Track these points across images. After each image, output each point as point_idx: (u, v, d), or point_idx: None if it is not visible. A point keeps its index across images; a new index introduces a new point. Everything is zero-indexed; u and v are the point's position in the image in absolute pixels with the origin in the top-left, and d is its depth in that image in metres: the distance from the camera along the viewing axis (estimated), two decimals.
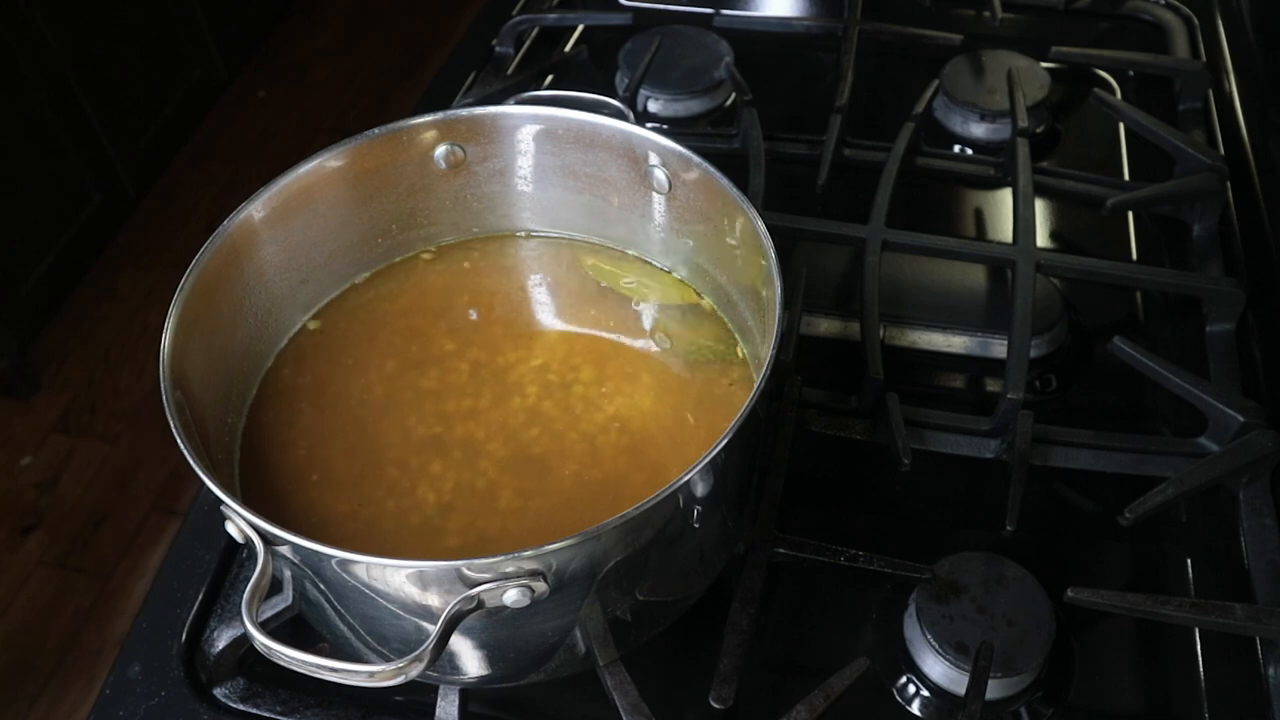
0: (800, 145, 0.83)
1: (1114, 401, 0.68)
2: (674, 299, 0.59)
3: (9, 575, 1.62)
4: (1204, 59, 0.90)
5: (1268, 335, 0.69)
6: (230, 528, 0.42)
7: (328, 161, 0.56)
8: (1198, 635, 0.56)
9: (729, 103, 0.88)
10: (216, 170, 2.24)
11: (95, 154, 1.98)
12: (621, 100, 0.62)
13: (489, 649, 0.47)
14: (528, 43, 0.96)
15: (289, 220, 0.56)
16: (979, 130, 0.85)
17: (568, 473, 0.52)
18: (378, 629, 0.46)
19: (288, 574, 0.47)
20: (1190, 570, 0.59)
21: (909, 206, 0.77)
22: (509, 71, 0.93)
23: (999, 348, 0.68)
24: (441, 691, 0.53)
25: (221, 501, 0.42)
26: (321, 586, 0.45)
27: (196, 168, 2.25)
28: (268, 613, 0.55)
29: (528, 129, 0.59)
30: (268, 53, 2.52)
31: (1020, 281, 0.68)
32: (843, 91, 0.84)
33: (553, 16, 0.96)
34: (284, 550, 0.42)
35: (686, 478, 0.41)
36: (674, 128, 0.87)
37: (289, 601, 0.53)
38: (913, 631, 0.54)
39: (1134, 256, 0.77)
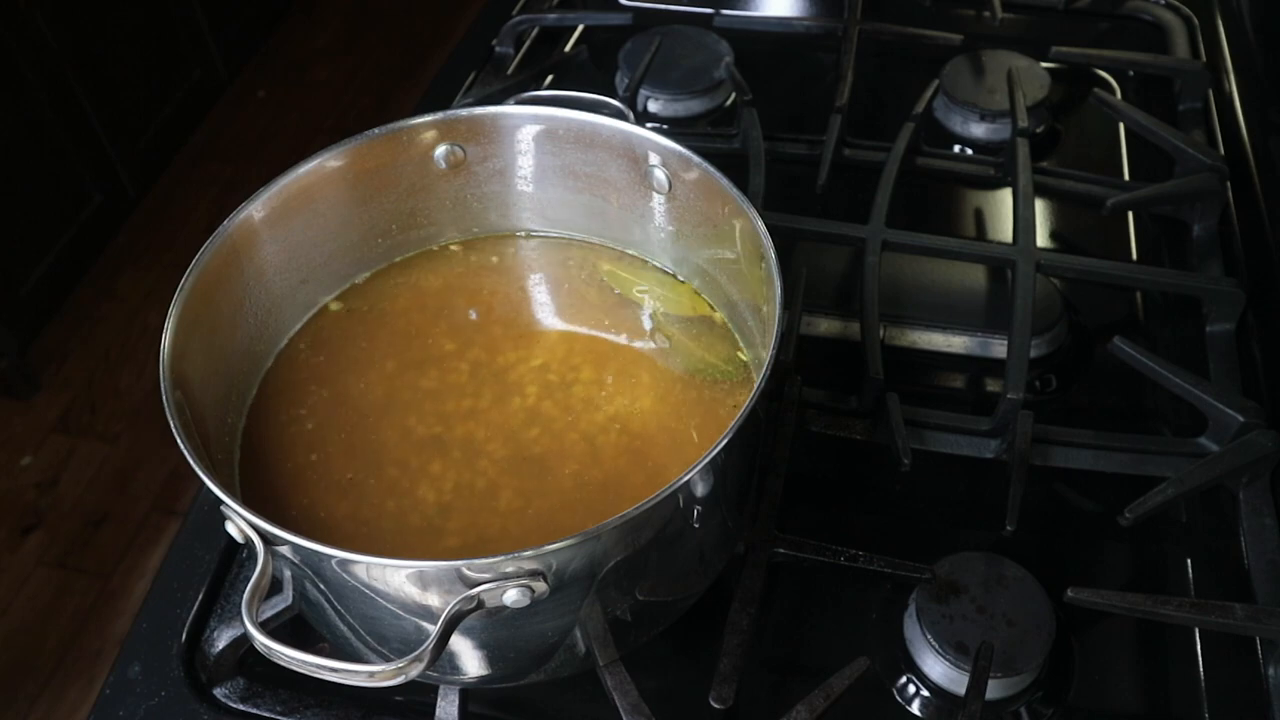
0: (800, 145, 0.83)
1: (1114, 401, 0.68)
2: (686, 310, 0.59)
3: (9, 575, 1.62)
4: (1204, 59, 0.90)
5: (1268, 335, 0.69)
6: (230, 528, 0.42)
7: (328, 161, 0.56)
8: (1198, 635, 0.56)
9: (729, 103, 0.88)
10: (216, 170, 2.24)
11: (95, 154, 1.98)
12: (621, 100, 0.62)
13: (489, 649, 0.47)
14: (528, 43, 0.96)
15: (289, 220, 0.56)
16: (979, 130, 0.85)
17: (568, 473, 0.52)
18: (378, 629, 0.46)
19: (288, 574, 0.47)
20: (1190, 570, 0.59)
21: (909, 206, 0.77)
22: (509, 71, 0.93)
23: (999, 348, 0.68)
24: (441, 691, 0.53)
25: (221, 501, 0.42)
26: (321, 586, 0.45)
27: (196, 168, 2.25)
28: (268, 613, 0.55)
29: (528, 129, 0.59)
30: (268, 53, 2.52)
31: (1020, 281, 0.68)
32: (843, 91, 0.84)
33: (553, 16, 0.96)
34: (284, 550, 0.42)
35: (686, 478, 0.41)
36: (674, 128, 0.87)
37: (289, 601, 0.53)
38: (913, 631, 0.54)
39: (1134, 256, 0.77)
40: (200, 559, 0.60)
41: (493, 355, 0.57)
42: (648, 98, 0.87)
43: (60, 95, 1.86)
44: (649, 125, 0.59)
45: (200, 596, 0.58)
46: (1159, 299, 0.73)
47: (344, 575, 0.42)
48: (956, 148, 0.85)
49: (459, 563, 0.39)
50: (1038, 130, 0.85)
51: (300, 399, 0.56)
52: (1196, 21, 0.94)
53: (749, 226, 0.51)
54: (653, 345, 0.58)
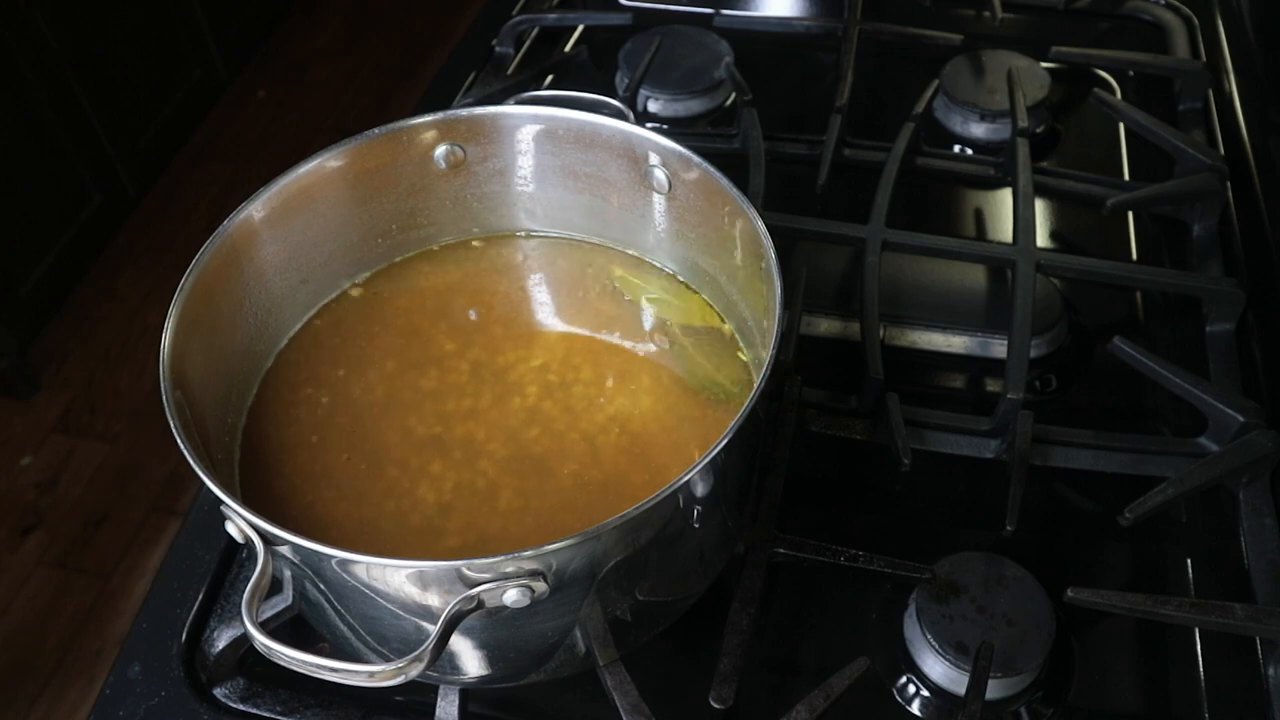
0: (800, 145, 0.83)
1: (1114, 401, 0.68)
2: (695, 320, 0.58)
3: (9, 575, 1.62)
4: (1204, 59, 0.90)
5: (1268, 335, 0.69)
6: (230, 528, 0.42)
7: (328, 161, 0.56)
8: (1198, 635, 0.56)
9: (729, 103, 0.88)
10: (216, 170, 2.24)
11: (95, 154, 1.98)
12: (621, 100, 0.62)
13: (489, 649, 0.47)
14: (528, 43, 0.96)
15: (289, 220, 0.56)
16: (979, 130, 0.85)
17: (568, 473, 0.52)
18: (378, 629, 0.46)
19: (288, 574, 0.47)
20: (1190, 570, 0.59)
21: (909, 206, 0.77)
22: (509, 71, 0.93)
23: (999, 348, 0.68)
24: (441, 691, 0.53)
25: (221, 501, 0.42)
26: (321, 586, 0.45)
27: (196, 168, 2.25)
28: (268, 613, 0.55)
29: (528, 129, 0.59)
30: (268, 53, 2.52)
31: (1020, 281, 0.68)
32: (843, 91, 0.84)
33: (553, 16, 0.96)
34: (284, 550, 0.42)
35: (686, 478, 0.41)
36: (674, 128, 0.87)
37: (289, 601, 0.53)
38: (913, 631, 0.54)
39: (1134, 256, 0.77)
40: (200, 559, 0.60)
41: (493, 355, 0.57)
42: (648, 98, 0.87)
43: (60, 95, 1.86)
44: (649, 125, 0.59)
45: (200, 596, 0.58)
46: (1159, 299, 0.73)
47: (344, 575, 0.42)
48: (956, 148, 0.85)
49: (459, 563, 0.40)
50: (1038, 130, 0.85)
51: (300, 399, 0.56)
52: (1196, 21, 0.94)
53: (749, 226, 0.51)
54: (653, 346, 0.58)
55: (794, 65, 0.95)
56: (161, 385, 0.45)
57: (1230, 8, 0.91)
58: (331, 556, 0.41)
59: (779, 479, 0.59)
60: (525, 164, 0.60)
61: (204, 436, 0.48)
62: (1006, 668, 0.51)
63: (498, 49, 0.95)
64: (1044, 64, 0.87)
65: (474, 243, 0.63)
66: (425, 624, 0.44)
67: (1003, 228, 0.78)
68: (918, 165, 0.82)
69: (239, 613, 0.53)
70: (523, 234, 0.64)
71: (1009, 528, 0.58)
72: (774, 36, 0.96)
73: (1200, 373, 0.67)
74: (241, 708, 0.55)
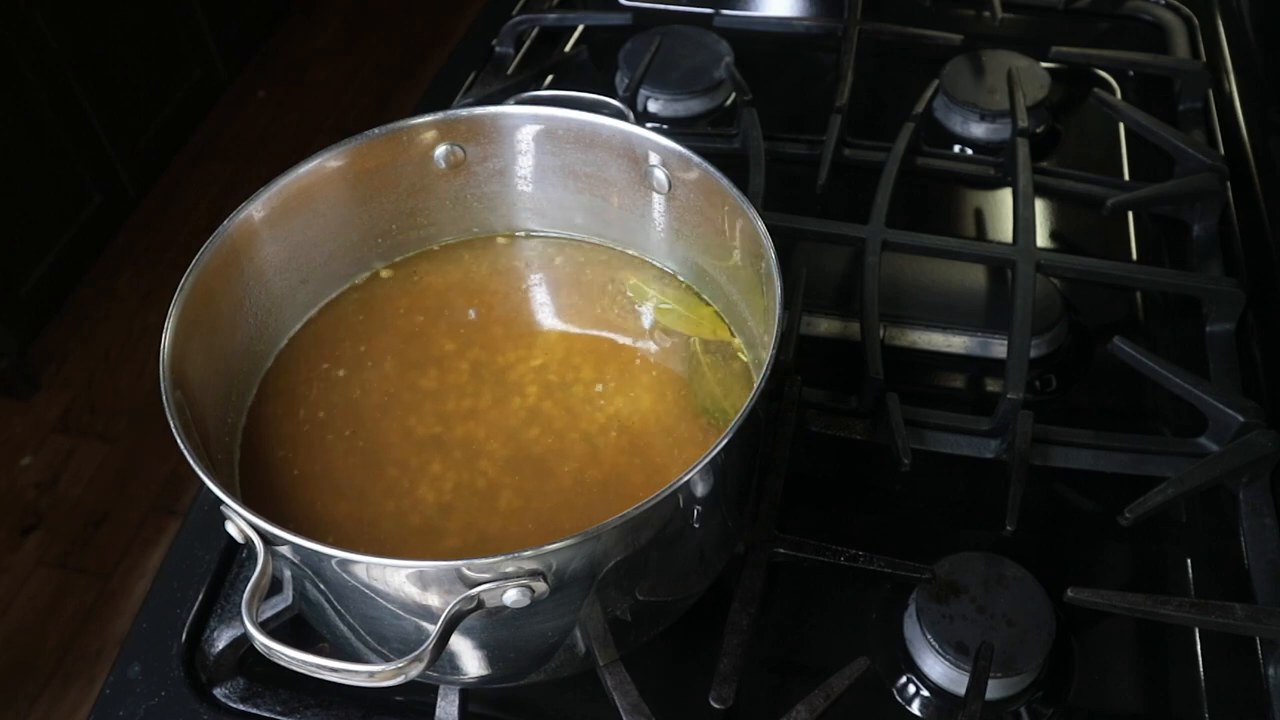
0: (800, 145, 0.83)
1: (1114, 401, 0.68)
2: (705, 332, 0.58)
3: (9, 575, 1.62)
4: (1204, 59, 0.90)
5: (1268, 335, 0.69)
6: (230, 528, 0.42)
7: (328, 161, 0.56)
8: (1198, 635, 0.56)
9: (729, 103, 0.88)
10: (216, 170, 2.24)
11: (95, 154, 1.98)
12: (621, 100, 0.62)
13: (489, 649, 0.47)
14: (528, 43, 0.96)
15: (289, 220, 0.56)
16: (979, 130, 0.85)
17: (567, 472, 0.52)
18: (378, 629, 0.46)
19: (288, 574, 0.47)
20: (1190, 570, 0.59)
21: (909, 206, 0.77)
22: (509, 71, 0.93)
23: (999, 348, 0.68)
24: (441, 691, 0.53)
25: (221, 501, 0.42)
26: (321, 586, 0.45)
27: (196, 168, 2.25)
28: (268, 613, 0.55)
29: (528, 129, 0.59)
30: (268, 53, 2.52)
31: (1020, 281, 0.68)
32: (843, 91, 0.84)
33: (553, 16, 0.96)
34: (284, 550, 0.42)
35: (686, 478, 0.41)
36: (674, 128, 0.87)
37: (289, 601, 0.53)
38: (913, 631, 0.54)
39: (1134, 256, 0.77)
40: (200, 559, 0.60)
41: (493, 355, 0.57)
42: (648, 98, 0.87)
43: (60, 95, 1.86)
44: (649, 125, 0.59)
45: (200, 596, 0.58)
46: (1159, 299, 0.73)
47: (344, 575, 0.42)
48: (956, 148, 0.85)
49: (459, 563, 0.39)
50: (1038, 130, 0.85)
51: (300, 399, 0.56)
52: (1196, 21, 0.94)
53: (749, 226, 0.51)
54: (653, 345, 0.58)
55: (794, 65, 0.95)
56: (161, 385, 0.45)
57: (1230, 8, 0.91)
58: (331, 556, 0.41)
59: (779, 479, 0.59)
60: (525, 164, 0.60)
61: (204, 436, 0.48)
62: (1006, 668, 0.51)
63: (498, 49, 0.95)
64: (1044, 64, 0.87)
65: (474, 243, 0.63)
66: (425, 624, 0.44)
67: (1003, 228, 0.78)
68: (918, 165, 0.82)
69: (239, 613, 0.53)
70: (523, 234, 0.64)
71: (1009, 528, 0.58)
72: (774, 36, 0.96)
73: (1200, 373, 0.67)
74: (241, 708, 0.55)
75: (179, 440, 0.43)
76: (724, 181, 0.52)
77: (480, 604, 0.40)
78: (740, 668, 0.52)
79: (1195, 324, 0.71)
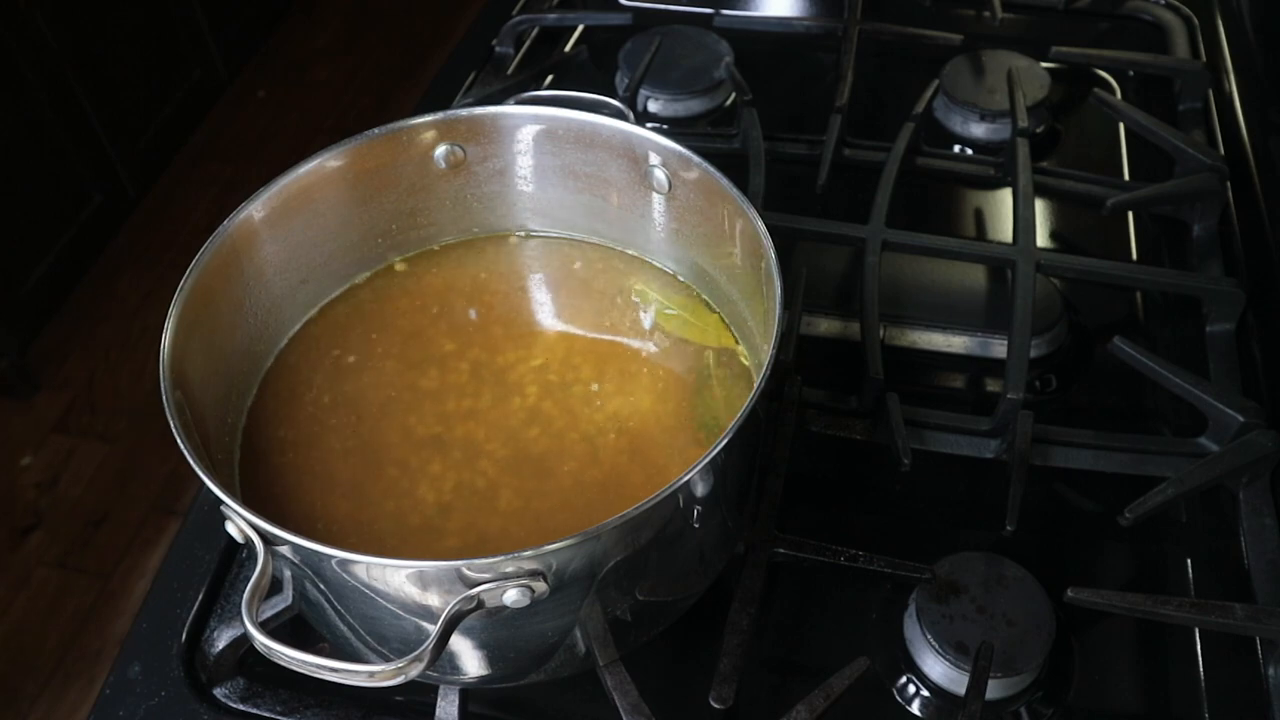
0: (800, 145, 0.83)
1: (1114, 401, 0.68)
2: (710, 340, 0.58)
3: (9, 575, 1.62)
4: (1204, 59, 0.90)
5: (1268, 335, 0.69)
6: (230, 528, 0.42)
7: (328, 161, 0.56)
8: (1198, 635, 0.56)
9: (729, 103, 0.88)
10: (216, 170, 2.24)
11: (95, 154, 1.98)
12: (621, 100, 0.62)
13: (489, 649, 0.47)
14: (528, 43, 0.96)
15: (289, 220, 0.55)
16: (979, 130, 0.85)
17: (567, 472, 0.52)
18: (378, 629, 0.46)
19: (288, 574, 0.47)
20: (1190, 570, 0.59)
21: (909, 206, 0.77)
22: (509, 71, 0.93)
23: (999, 348, 0.68)
24: (441, 691, 0.53)
25: (221, 501, 0.42)
26: (321, 586, 0.45)
27: (196, 168, 2.25)
28: (268, 613, 0.55)
29: (528, 129, 0.59)
30: (268, 53, 2.52)
31: (1020, 281, 0.68)
32: (843, 91, 0.84)
33: (553, 16, 0.96)
34: (284, 550, 0.42)
35: (686, 478, 0.41)
36: (674, 128, 0.87)
37: (289, 601, 0.53)
38: (913, 631, 0.54)
39: (1134, 256, 0.77)
40: (200, 559, 0.60)
41: (493, 355, 0.57)
42: (648, 98, 0.87)
43: (60, 95, 1.86)
44: (649, 125, 0.59)
45: (200, 596, 0.58)
46: (1159, 299, 0.73)
47: (344, 575, 0.42)
48: (956, 148, 0.85)
49: (459, 563, 0.39)
50: (1038, 130, 0.85)
51: (300, 399, 0.56)
52: (1196, 21, 0.94)
53: (749, 226, 0.51)
54: (653, 345, 0.58)
55: (794, 65, 0.95)
56: (161, 385, 0.45)
57: (1230, 8, 0.91)
58: (331, 556, 0.41)
59: (779, 479, 0.59)
60: (525, 164, 0.60)
61: (204, 436, 0.48)
62: (1006, 668, 0.51)
63: (498, 49, 0.95)
64: (1044, 64, 0.87)
65: (474, 243, 0.63)
66: (425, 624, 0.44)
67: (1003, 228, 0.78)
68: (918, 165, 0.82)
69: (239, 613, 0.53)
70: (523, 234, 0.64)
71: (1009, 528, 0.58)
72: (774, 36, 0.96)
73: (1200, 373, 0.67)
74: (241, 708, 0.55)
75: (179, 440, 0.43)
76: (724, 181, 0.52)
77: (480, 604, 0.40)
78: (740, 668, 0.52)
79: (1195, 324, 0.71)
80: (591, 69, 0.93)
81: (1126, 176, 0.83)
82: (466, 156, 0.60)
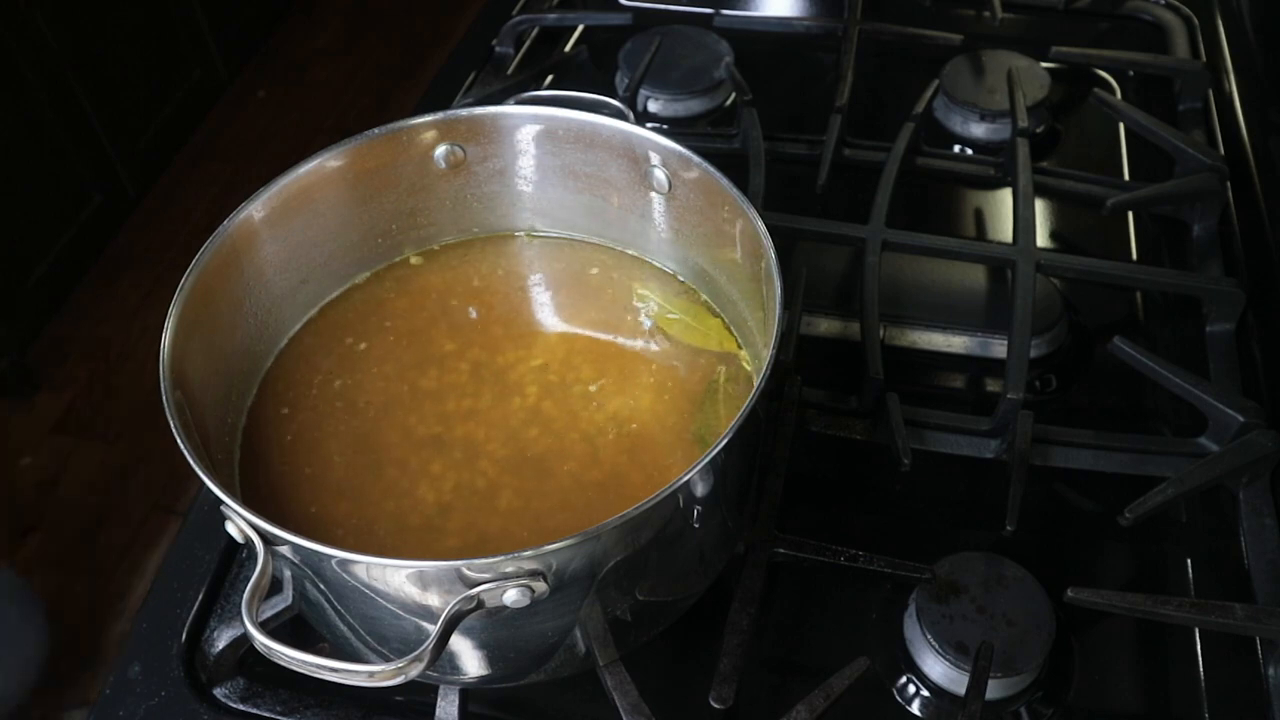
0: (800, 145, 0.83)
1: (1114, 401, 0.68)
2: (713, 344, 0.58)
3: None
4: (1204, 59, 0.90)
5: (1268, 335, 0.69)
6: (230, 528, 0.42)
7: (328, 161, 0.56)
8: (1198, 635, 0.56)
9: (729, 103, 0.88)
10: (216, 170, 2.24)
11: (95, 154, 1.98)
12: (621, 100, 0.62)
13: (489, 649, 0.47)
14: (528, 43, 0.96)
15: (289, 220, 0.56)
16: (979, 130, 0.85)
17: (567, 472, 0.52)
18: (378, 629, 0.46)
19: (288, 574, 0.47)
20: (1190, 570, 0.59)
21: (909, 206, 0.77)
22: (509, 71, 0.93)
23: (999, 348, 0.68)
24: (441, 691, 0.53)
25: (221, 501, 0.42)
26: (321, 586, 0.45)
27: (196, 168, 2.25)
28: (268, 613, 0.55)
29: (528, 129, 0.59)
30: (268, 53, 2.52)
31: (1020, 281, 0.68)
32: (843, 91, 0.84)
33: (553, 16, 0.96)
34: (284, 550, 0.42)
35: (686, 478, 0.41)
36: (674, 128, 0.87)
37: (289, 601, 0.53)
38: (913, 631, 0.54)
39: (1134, 256, 0.77)
40: (200, 559, 0.60)
41: (493, 355, 0.57)
42: (648, 98, 0.87)
43: (60, 95, 1.86)
44: (649, 125, 0.59)
45: (200, 596, 0.58)
46: (1159, 299, 0.73)
47: (344, 575, 0.42)
48: (956, 148, 0.85)
49: (459, 563, 0.39)
50: (1038, 130, 0.85)
51: (300, 398, 0.56)
52: (1196, 21, 0.94)
53: (749, 226, 0.51)
54: (653, 345, 0.58)
55: (794, 65, 0.95)
56: (161, 385, 0.45)
57: (1230, 8, 0.91)
58: (331, 556, 0.41)
59: (779, 479, 0.59)
60: (525, 164, 0.60)
61: (204, 436, 0.48)
62: (1006, 668, 0.51)
63: (498, 49, 0.95)
64: (1044, 64, 0.87)
65: (474, 243, 0.63)
66: (425, 624, 0.44)
67: (1003, 228, 0.78)
68: (918, 165, 0.82)
69: (239, 613, 0.53)
70: (523, 234, 0.64)
71: (1009, 528, 0.58)
72: (774, 36, 0.96)
73: (1200, 373, 0.67)
74: (241, 708, 0.55)
75: (179, 440, 0.43)
76: (724, 181, 0.52)
77: (480, 604, 0.40)
78: (740, 668, 0.52)
79: (1195, 324, 0.71)
80: (591, 69, 0.93)
81: (1126, 176, 0.83)
82: (466, 156, 0.60)
